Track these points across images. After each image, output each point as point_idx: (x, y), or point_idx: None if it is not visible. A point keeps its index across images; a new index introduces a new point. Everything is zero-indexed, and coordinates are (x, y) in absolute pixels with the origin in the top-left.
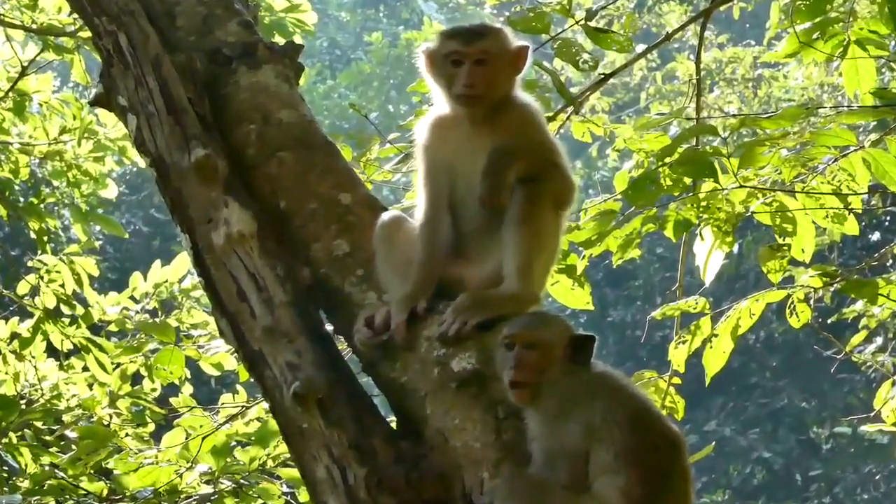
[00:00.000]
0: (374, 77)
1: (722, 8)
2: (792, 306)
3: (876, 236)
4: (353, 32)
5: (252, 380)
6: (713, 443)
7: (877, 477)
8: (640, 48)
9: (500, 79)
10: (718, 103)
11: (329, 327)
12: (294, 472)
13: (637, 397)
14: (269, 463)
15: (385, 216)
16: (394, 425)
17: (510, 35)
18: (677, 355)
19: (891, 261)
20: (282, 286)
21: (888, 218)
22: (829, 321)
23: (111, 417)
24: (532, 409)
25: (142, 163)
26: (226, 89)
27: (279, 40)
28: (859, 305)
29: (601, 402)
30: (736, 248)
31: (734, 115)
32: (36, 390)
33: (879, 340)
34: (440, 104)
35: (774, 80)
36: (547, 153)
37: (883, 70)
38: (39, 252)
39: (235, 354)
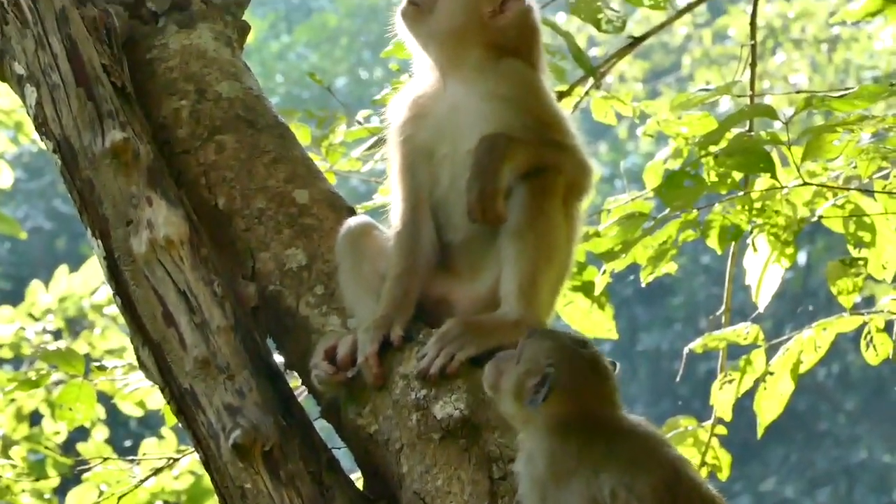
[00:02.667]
0: (341, 32)
1: None
2: (869, 337)
3: None
4: None
5: (181, 425)
6: None
7: None
8: (682, 1)
9: None
10: (783, 72)
11: (279, 359)
12: None
13: (666, 462)
14: None
15: (350, 222)
16: (360, 485)
17: None
18: (722, 399)
19: None
20: (220, 307)
21: None
22: None
23: (3, 468)
24: (521, 469)
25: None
26: (151, 53)
27: None
28: None
29: (612, 471)
30: (803, 258)
31: (799, 92)
32: None
33: None
34: (421, 75)
35: (855, 42)
36: (553, 130)
37: None
38: None
39: (161, 391)
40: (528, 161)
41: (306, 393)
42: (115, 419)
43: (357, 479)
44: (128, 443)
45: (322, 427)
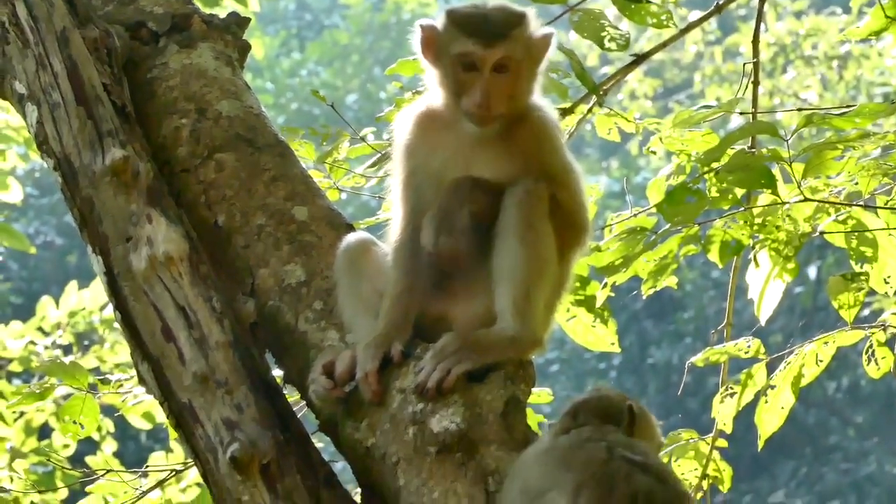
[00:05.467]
0: (352, 50)
1: None
2: (871, 350)
3: None
4: None
5: (180, 438)
6: None
7: None
8: (695, 16)
9: (522, 87)
10: (794, 88)
11: (278, 374)
12: None
13: (647, 475)
14: None
15: (349, 239)
16: (358, 499)
17: (533, 19)
18: (723, 411)
19: None
20: (219, 322)
21: None
22: None
23: (11, 480)
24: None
25: None
26: (151, 73)
27: (231, 6)
28: None
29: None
30: (813, 272)
31: (801, 109)
32: None
33: None
34: (433, 94)
35: (865, 59)
36: (558, 185)
37: None
38: None
39: (160, 405)
40: (490, 203)
41: (305, 408)
42: (124, 433)
43: (356, 493)
44: (138, 455)
45: (321, 441)
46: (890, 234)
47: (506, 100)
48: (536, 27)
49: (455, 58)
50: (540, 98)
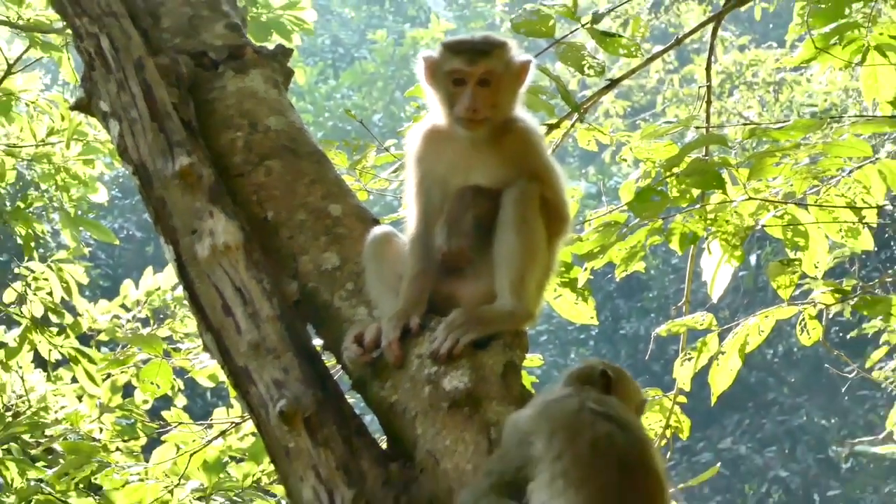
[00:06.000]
0: (378, 77)
1: (743, 8)
2: (803, 323)
3: None
4: (356, 30)
5: (238, 396)
6: (718, 463)
7: None
8: (658, 48)
9: (504, 98)
10: (738, 108)
11: (317, 343)
12: None
13: (610, 423)
14: (264, 479)
15: (375, 231)
16: (383, 446)
17: (514, 47)
18: (682, 373)
19: None
20: (268, 300)
21: None
22: (849, 336)
23: (100, 431)
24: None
25: None
26: (212, 94)
27: (277, 40)
28: (880, 321)
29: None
30: (753, 259)
31: (746, 124)
32: (23, 402)
33: None
34: (435, 114)
35: (797, 85)
36: (543, 184)
37: None
38: (26, 258)
39: (221, 369)
40: (489, 207)
41: (339, 370)
42: (193, 391)
43: (381, 441)
44: (204, 409)
45: (353, 398)
46: (819, 227)
47: (489, 107)
48: (518, 53)
49: (447, 74)
50: (524, 113)
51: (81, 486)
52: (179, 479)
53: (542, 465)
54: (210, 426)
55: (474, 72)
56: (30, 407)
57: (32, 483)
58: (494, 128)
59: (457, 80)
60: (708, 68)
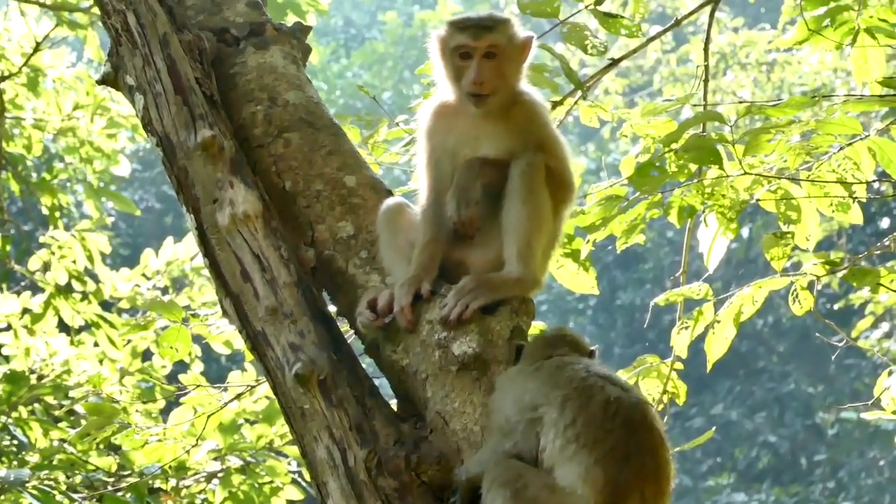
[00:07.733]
0: (388, 57)
1: None
2: (795, 294)
3: (886, 223)
4: (367, 11)
5: (255, 359)
6: (713, 427)
7: (881, 462)
8: (655, 29)
9: (508, 71)
10: (732, 87)
11: (332, 308)
12: None
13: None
14: (277, 441)
15: (388, 202)
16: (395, 407)
17: (517, 24)
18: (679, 341)
19: None
20: (286, 267)
21: None
22: (836, 307)
23: (121, 393)
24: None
25: None
26: (233, 69)
27: (292, 19)
28: (866, 292)
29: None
30: (746, 232)
31: (741, 102)
32: (46, 365)
33: (886, 326)
34: (445, 90)
35: (788, 65)
36: (547, 153)
37: (894, 59)
38: (51, 228)
39: (239, 333)
40: (497, 176)
41: (353, 335)
42: (209, 356)
43: (392, 402)
44: (219, 374)
45: (365, 362)
46: (811, 202)
47: (495, 80)
48: (520, 31)
49: (454, 50)
50: (528, 87)
51: (102, 446)
52: (196, 440)
53: (554, 430)
54: (225, 389)
55: (479, 45)
56: (53, 370)
57: (55, 443)
58: (501, 101)
59: (463, 54)
60: (706, 47)
